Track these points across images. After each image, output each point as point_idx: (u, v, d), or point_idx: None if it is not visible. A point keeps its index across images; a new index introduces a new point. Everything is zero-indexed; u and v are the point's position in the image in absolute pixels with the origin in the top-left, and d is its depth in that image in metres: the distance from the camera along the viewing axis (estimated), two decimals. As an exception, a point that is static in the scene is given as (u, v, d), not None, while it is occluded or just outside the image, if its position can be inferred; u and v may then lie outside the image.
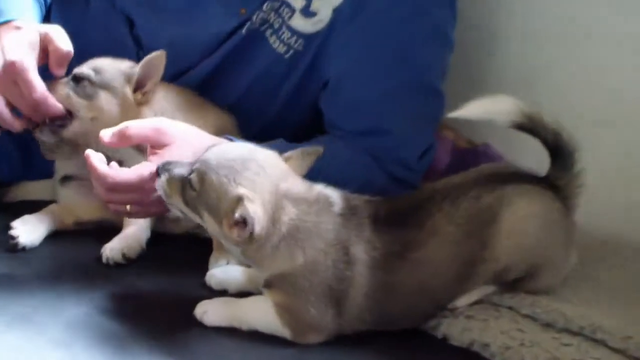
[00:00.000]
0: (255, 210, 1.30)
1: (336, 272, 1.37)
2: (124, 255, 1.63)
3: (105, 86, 1.68)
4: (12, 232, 1.69)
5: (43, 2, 1.79)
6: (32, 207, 1.82)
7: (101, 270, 1.63)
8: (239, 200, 1.31)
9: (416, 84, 1.72)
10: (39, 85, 1.58)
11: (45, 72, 1.63)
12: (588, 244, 1.69)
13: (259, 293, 1.44)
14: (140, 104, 1.69)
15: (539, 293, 1.49)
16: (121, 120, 1.55)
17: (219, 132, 1.62)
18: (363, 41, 1.70)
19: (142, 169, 1.44)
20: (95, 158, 1.45)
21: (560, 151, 1.49)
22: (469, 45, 1.91)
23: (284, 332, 1.39)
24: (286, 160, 1.42)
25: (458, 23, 1.77)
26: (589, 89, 1.91)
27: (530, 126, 1.47)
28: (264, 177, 1.35)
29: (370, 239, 1.39)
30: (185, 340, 1.39)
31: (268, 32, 1.75)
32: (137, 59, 1.71)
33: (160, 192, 1.42)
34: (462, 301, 1.47)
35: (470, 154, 1.92)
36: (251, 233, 1.30)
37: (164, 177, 1.41)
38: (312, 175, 1.45)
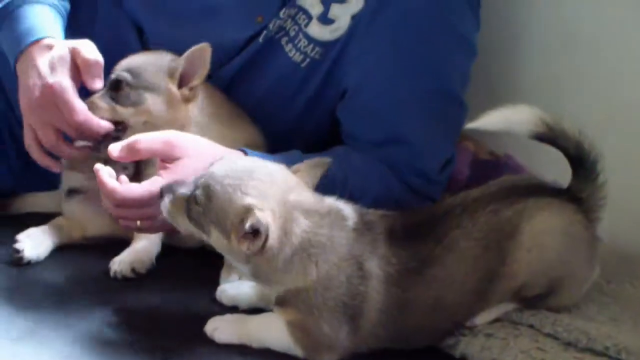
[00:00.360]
0: (266, 218, 1.28)
1: (350, 287, 1.35)
2: (133, 270, 1.61)
3: (148, 87, 1.65)
4: (17, 246, 1.67)
5: (64, 12, 1.78)
6: (38, 219, 1.80)
7: (109, 284, 1.62)
8: (248, 210, 1.28)
9: (437, 92, 1.71)
10: (79, 106, 1.57)
11: (83, 90, 1.63)
12: (614, 260, 1.68)
13: (271, 309, 1.42)
14: (187, 100, 1.67)
15: (560, 310, 1.48)
16: (173, 118, 1.61)
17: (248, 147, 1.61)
18: (383, 48, 1.68)
19: (151, 185, 1.43)
20: (105, 173, 1.44)
21: (582, 161, 1.47)
22: (490, 53, 1.87)
23: (297, 350, 1.38)
24: (294, 172, 1.40)
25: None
26: (610, 96, 1.88)
27: (550, 136, 1.45)
28: (272, 187, 1.34)
29: (385, 255, 1.38)
30: (195, 357, 1.38)
31: (284, 40, 1.74)
32: None
33: (165, 214, 1.40)
34: (481, 319, 1.46)
35: (492, 165, 1.91)
36: (264, 244, 1.28)
37: (167, 199, 1.39)
38: (330, 188, 1.44)
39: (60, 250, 1.74)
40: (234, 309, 1.51)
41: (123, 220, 1.48)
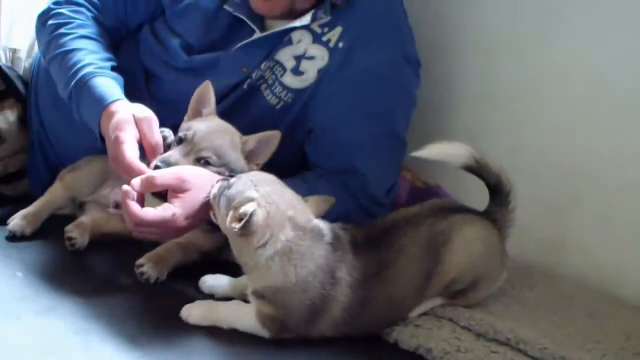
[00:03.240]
0: (259, 212, 1.32)
1: (323, 292, 1.37)
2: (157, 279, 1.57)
3: (229, 167, 1.58)
4: (71, 235, 1.65)
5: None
6: (60, 220, 1.75)
7: (121, 273, 1.61)
8: (250, 200, 1.33)
9: (385, 134, 1.74)
10: (128, 151, 1.51)
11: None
12: (517, 270, 1.71)
13: (240, 299, 1.45)
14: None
15: (475, 307, 1.50)
16: None
17: None
18: (344, 97, 1.71)
19: (163, 211, 1.44)
20: (130, 197, 1.44)
21: (499, 190, 1.53)
22: (428, 102, 1.88)
23: (263, 332, 1.40)
24: (306, 201, 1.45)
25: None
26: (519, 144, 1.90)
27: (477, 168, 1.51)
28: (280, 199, 1.38)
29: (352, 262, 1.40)
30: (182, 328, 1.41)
31: (263, 87, 1.75)
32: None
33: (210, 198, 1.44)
34: (414, 312, 1.48)
35: (425, 192, 1.92)
36: (246, 228, 1.32)
37: (214, 188, 1.44)
38: None
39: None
40: (211, 297, 1.51)
41: (137, 234, 1.48)
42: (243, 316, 1.40)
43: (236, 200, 1.35)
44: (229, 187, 1.39)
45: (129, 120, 1.55)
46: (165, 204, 1.45)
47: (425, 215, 1.49)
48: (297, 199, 1.43)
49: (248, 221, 1.31)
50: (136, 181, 1.45)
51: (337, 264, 1.38)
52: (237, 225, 1.32)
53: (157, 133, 1.57)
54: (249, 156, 1.62)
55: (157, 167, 1.51)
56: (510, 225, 1.55)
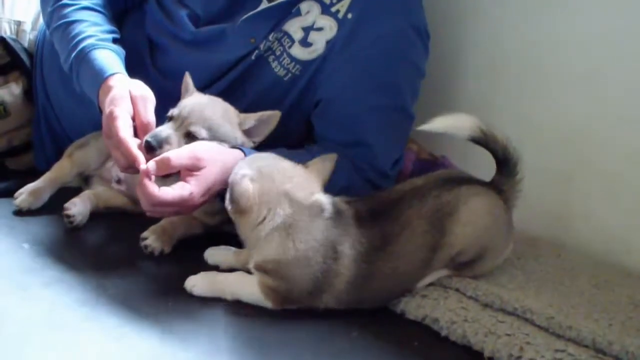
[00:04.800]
0: (248, 186, 1.33)
1: (325, 266, 1.36)
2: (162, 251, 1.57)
3: (223, 141, 1.56)
4: (69, 212, 1.64)
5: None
6: (67, 191, 1.75)
7: (128, 246, 1.59)
8: (242, 177, 1.34)
9: (393, 106, 1.71)
10: (121, 127, 1.49)
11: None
12: (522, 241, 1.69)
13: (244, 271, 1.44)
14: None
15: (481, 278, 1.49)
16: None
17: None
18: (351, 69, 1.69)
19: (181, 190, 1.43)
20: (148, 177, 1.42)
21: (507, 161, 1.50)
22: (435, 74, 1.86)
23: (266, 303, 1.39)
24: (307, 166, 1.44)
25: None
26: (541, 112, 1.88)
27: (484, 140, 1.48)
28: (273, 175, 1.38)
29: (356, 236, 1.39)
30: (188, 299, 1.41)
31: (271, 58, 1.73)
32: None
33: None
34: (420, 284, 1.47)
35: (431, 164, 1.90)
36: (239, 204, 1.33)
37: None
38: None
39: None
40: (215, 268, 1.51)
41: (152, 213, 1.47)
42: (247, 287, 1.40)
43: (230, 178, 1.36)
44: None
45: (125, 96, 1.54)
46: (181, 183, 1.45)
47: (430, 187, 1.46)
48: (296, 171, 1.42)
49: (239, 196, 1.32)
50: (151, 164, 1.43)
51: (339, 239, 1.37)
52: (230, 205, 1.33)
53: (151, 112, 1.55)
54: (247, 133, 1.61)
55: (147, 143, 1.49)
56: (518, 196, 1.53)
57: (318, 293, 1.37)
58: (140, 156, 1.46)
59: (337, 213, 1.40)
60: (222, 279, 1.43)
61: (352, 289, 1.37)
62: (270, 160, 1.42)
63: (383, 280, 1.40)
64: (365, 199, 1.47)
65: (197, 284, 1.41)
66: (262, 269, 1.37)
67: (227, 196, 1.37)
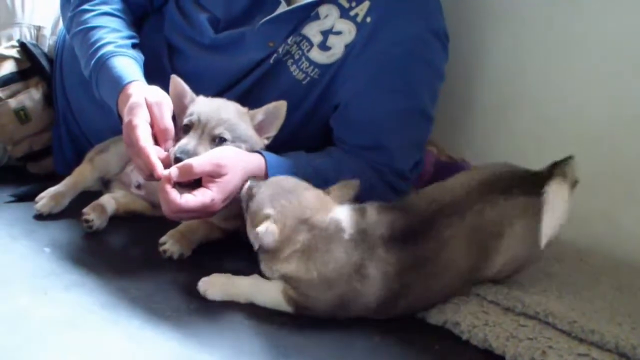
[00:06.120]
0: (273, 229, 1.33)
1: (349, 287, 1.34)
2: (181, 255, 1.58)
3: (243, 140, 1.58)
4: (88, 217, 1.65)
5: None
6: (87, 195, 1.76)
7: (147, 250, 1.60)
8: (266, 217, 1.35)
9: (412, 109, 1.71)
10: (141, 136, 1.50)
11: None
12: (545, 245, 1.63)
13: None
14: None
15: (502, 282, 1.48)
16: None
17: None
18: (370, 72, 1.69)
19: (203, 197, 1.45)
20: (170, 183, 1.44)
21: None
22: (455, 77, 1.86)
23: (288, 309, 1.38)
24: (328, 193, 1.43)
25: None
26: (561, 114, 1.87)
27: None
28: (293, 206, 1.37)
29: (384, 257, 1.35)
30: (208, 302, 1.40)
31: (289, 62, 1.74)
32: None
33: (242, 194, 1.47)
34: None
35: (451, 167, 1.89)
36: (264, 246, 1.35)
37: (245, 186, 1.46)
38: (328, 184, 1.46)
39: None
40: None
41: (172, 217, 1.48)
42: (265, 292, 1.39)
43: (255, 217, 1.37)
44: (251, 197, 1.40)
45: (141, 104, 1.54)
46: (203, 189, 1.45)
47: (472, 200, 1.40)
48: (315, 195, 1.41)
49: (268, 243, 1.33)
50: (174, 170, 1.44)
51: (363, 261, 1.33)
52: (256, 245, 1.34)
53: (168, 118, 1.56)
54: (259, 129, 1.61)
55: (177, 159, 1.49)
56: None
57: (343, 310, 1.35)
58: (159, 164, 1.47)
59: (360, 233, 1.36)
60: (238, 282, 1.42)
61: (379, 306, 1.36)
62: (290, 189, 1.39)
63: (413, 300, 1.38)
64: (401, 211, 1.40)
65: (210, 287, 1.41)
66: (286, 280, 1.36)
67: (255, 242, 1.35)
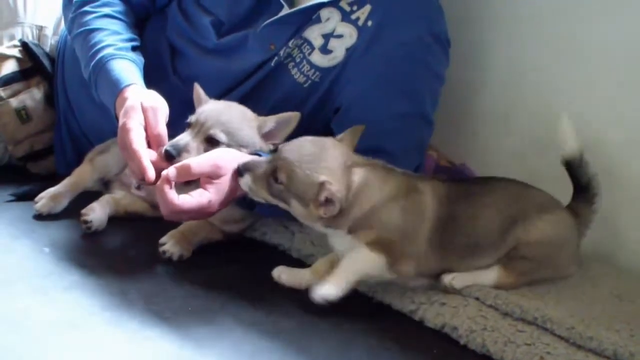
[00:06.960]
0: (338, 189, 1.36)
1: (406, 214, 1.41)
2: (181, 256, 1.59)
3: (243, 146, 1.57)
4: (86, 218, 1.65)
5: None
6: (87, 195, 1.77)
7: (151, 252, 1.60)
8: (322, 185, 1.36)
9: (412, 113, 1.70)
10: (134, 139, 1.50)
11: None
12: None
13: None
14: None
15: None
16: None
17: None
18: (370, 76, 1.69)
19: (201, 198, 1.44)
20: (168, 184, 1.43)
21: (587, 190, 1.58)
22: (456, 82, 1.86)
23: (380, 260, 1.40)
24: (340, 140, 1.46)
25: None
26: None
27: (577, 164, 1.56)
28: (335, 161, 1.40)
29: (434, 182, 1.48)
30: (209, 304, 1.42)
31: (290, 65, 1.74)
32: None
33: (245, 189, 1.44)
34: (460, 282, 1.47)
35: (451, 171, 1.89)
36: (333, 210, 1.37)
37: (248, 177, 1.43)
38: None
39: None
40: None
41: (170, 218, 1.48)
42: (359, 256, 1.40)
43: (310, 191, 1.37)
44: (276, 178, 1.39)
45: (136, 107, 1.54)
46: (200, 190, 1.45)
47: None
48: (334, 142, 1.44)
49: (334, 208, 1.36)
50: (172, 170, 1.44)
51: (416, 184, 1.44)
52: (328, 212, 1.36)
53: (162, 124, 1.55)
54: (267, 136, 1.61)
55: (167, 152, 1.50)
56: (590, 226, 1.59)
57: (413, 239, 1.41)
58: (150, 168, 1.47)
59: (410, 173, 1.48)
60: (341, 266, 1.41)
61: (437, 236, 1.42)
62: (313, 151, 1.40)
63: (463, 230, 1.45)
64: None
65: (283, 275, 1.48)
66: (356, 229, 1.40)
67: (322, 214, 1.37)
